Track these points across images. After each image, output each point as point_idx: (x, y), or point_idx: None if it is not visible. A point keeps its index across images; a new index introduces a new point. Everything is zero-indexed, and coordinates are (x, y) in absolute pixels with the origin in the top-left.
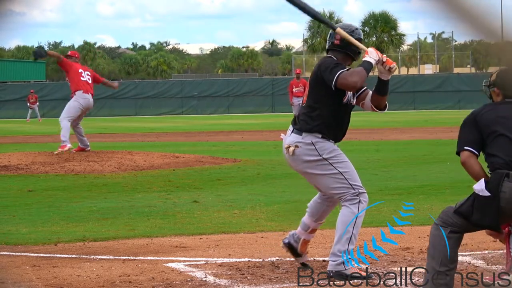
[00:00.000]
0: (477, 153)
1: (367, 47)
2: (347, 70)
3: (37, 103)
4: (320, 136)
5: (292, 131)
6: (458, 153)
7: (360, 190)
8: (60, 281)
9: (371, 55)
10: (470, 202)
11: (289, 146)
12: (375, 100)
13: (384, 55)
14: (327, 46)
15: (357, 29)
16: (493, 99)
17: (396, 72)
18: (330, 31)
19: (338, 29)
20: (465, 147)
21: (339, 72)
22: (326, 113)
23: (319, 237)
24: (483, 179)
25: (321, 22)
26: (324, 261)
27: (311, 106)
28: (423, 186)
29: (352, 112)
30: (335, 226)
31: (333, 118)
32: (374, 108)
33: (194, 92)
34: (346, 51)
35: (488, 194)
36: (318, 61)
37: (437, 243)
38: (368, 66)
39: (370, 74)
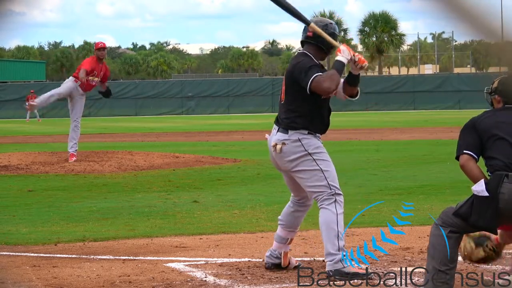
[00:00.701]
0: (476, 156)
1: (349, 45)
2: (321, 74)
3: None
4: (306, 132)
5: (278, 130)
6: (457, 158)
7: (336, 191)
8: (60, 281)
9: (343, 53)
10: (469, 204)
11: (276, 144)
12: (347, 90)
13: (357, 53)
14: (301, 39)
15: (331, 23)
16: (494, 106)
17: (396, 72)
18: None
19: (312, 25)
20: (464, 151)
21: (313, 77)
22: (307, 109)
23: (319, 237)
24: (482, 180)
25: (295, 16)
26: (324, 261)
27: (291, 104)
28: (423, 186)
29: (351, 112)
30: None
31: (314, 112)
32: (347, 97)
33: (189, 93)
34: (318, 44)
35: (487, 194)
36: (293, 58)
37: (437, 242)
38: (340, 67)
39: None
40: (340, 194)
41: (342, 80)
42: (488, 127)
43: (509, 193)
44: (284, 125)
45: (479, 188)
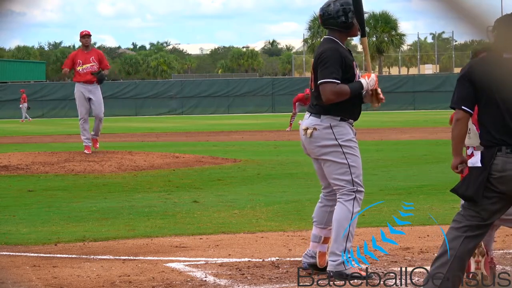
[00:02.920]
0: (472, 112)
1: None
2: (336, 82)
3: (25, 103)
4: (338, 118)
5: (310, 115)
6: (453, 108)
7: (358, 188)
8: (60, 281)
9: (369, 81)
10: (463, 179)
11: (307, 128)
12: None
13: (379, 89)
14: (324, 24)
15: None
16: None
17: (396, 72)
18: (334, 7)
19: (364, 39)
20: (463, 106)
21: (327, 80)
22: None
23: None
24: (479, 152)
25: (360, 21)
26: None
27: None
28: (423, 186)
29: None
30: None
31: (347, 99)
32: None
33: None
34: (341, 29)
35: (480, 165)
36: (320, 45)
37: (451, 246)
38: (357, 89)
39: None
40: (361, 191)
41: None
42: (484, 83)
43: (502, 163)
44: (316, 109)
45: (475, 160)
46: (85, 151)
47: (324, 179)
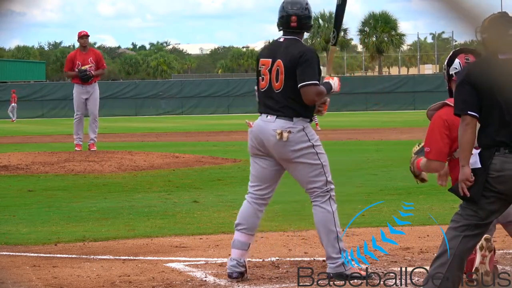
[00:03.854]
0: (478, 116)
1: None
2: (319, 85)
3: (14, 104)
4: (308, 120)
5: (277, 117)
6: (458, 115)
7: (331, 186)
8: (60, 281)
9: (334, 83)
10: None
11: (282, 132)
12: None
13: (328, 99)
14: (284, 27)
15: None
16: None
17: (396, 72)
18: (310, 9)
19: (334, 48)
20: (468, 111)
21: (313, 82)
22: None
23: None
24: (477, 152)
25: (337, 27)
26: (324, 261)
27: (293, 92)
28: (423, 186)
29: (351, 112)
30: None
31: None
32: None
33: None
34: (305, 31)
35: (479, 166)
36: (295, 46)
37: (449, 246)
38: (329, 90)
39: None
40: (333, 188)
41: None
42: (486, 86)
43: (500, 163)
44: (286, 112)
45: (473, 160)
46: (76, 148)
47: (265, 181)
